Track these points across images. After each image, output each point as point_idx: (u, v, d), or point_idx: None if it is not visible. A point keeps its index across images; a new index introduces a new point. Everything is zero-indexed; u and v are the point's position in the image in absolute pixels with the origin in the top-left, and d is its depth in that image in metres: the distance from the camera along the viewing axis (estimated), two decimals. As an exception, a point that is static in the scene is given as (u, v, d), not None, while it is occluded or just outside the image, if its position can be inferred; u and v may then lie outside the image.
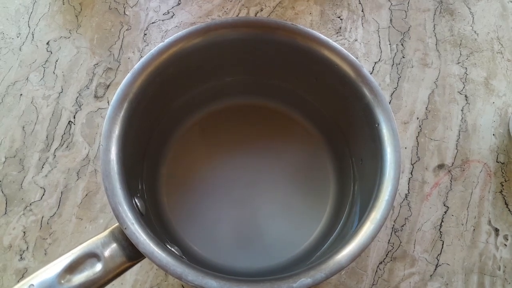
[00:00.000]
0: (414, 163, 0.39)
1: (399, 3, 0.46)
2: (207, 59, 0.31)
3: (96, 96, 0.40)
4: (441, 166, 0.39)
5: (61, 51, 0.42)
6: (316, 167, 0.35)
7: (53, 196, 0.36)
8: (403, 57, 0.43)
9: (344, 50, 0.29)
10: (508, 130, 0.40)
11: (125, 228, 0.23)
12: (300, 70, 0.32)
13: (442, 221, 0.37)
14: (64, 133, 0.39)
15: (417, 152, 0.39)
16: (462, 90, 0.42)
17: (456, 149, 0.39)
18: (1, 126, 0.39)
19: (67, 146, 0.38)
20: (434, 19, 0.45)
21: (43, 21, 0.44)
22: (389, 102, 0.41)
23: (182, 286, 0.34)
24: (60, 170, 0.37)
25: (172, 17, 0.45)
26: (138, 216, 0.24)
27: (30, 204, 0.36)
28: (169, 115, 0.34)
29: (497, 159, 0.39)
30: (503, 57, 0.44)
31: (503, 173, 0.39)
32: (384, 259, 0.35)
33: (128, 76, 0.27)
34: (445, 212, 0.37)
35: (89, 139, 0.38)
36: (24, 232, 0.35)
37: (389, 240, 0.36)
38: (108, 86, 0.41)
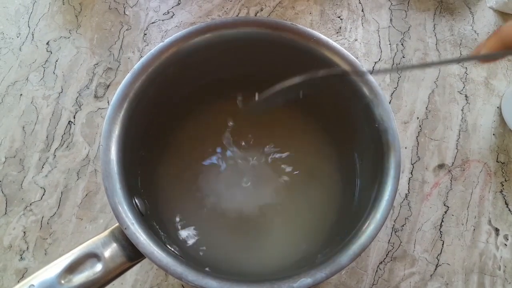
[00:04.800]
0: (414, 163, 0.39)
1: (399, 3, 0.46)
2: (207, 59, 0.31)
3: (96, 96, 0.40)
4: (441, 166, 0.39)
5: (61, 51, 0.42)
6: (320, 166, 0.35)
7: (53, 196, 0.36)
8: (403, 57, 0.43)
9: (344, 50, 0.29)
10: (501, 114, 0.40)
11: (125, 228, 0.23)
12: (300, 70, 0.32)
13: (442, 221, 0.37)
14: (64, 133, 0.38)
15: (417, 152, 0.39)
16: (462, 90, 0.42)
17: (456, 149, 0.39)
18: (1, 126, 0.39)
19: (67, 146, 0.38)
20: (434, 19, 0.45)
21: (43, 21, 0.44)
22: (389, 102, 0.41)
23: (182, 286, 0.34)
24: (60, 170, 0.37)
25: (172, 17, 0.44)
26: (138, 216, 0.24)
27: (30, 204, 0.36)
28: (169, 114, 0.34)
29: (497, 159, 0.39)
30: (503, 56, 0.44)
31: (503, 173, 0.39)
32: (384, 259, 0.35)
33: (128, 76, 0.27)
34: (445, 212, 0.37)
35: (89, 139, 0.38)
36: (24, 232, 0.35)
37: (389, 240, 0.36)
38: (108, 86, 0.41)
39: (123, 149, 0.26)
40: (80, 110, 0.40)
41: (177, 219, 0.32)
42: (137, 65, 0.28)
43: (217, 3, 0.45)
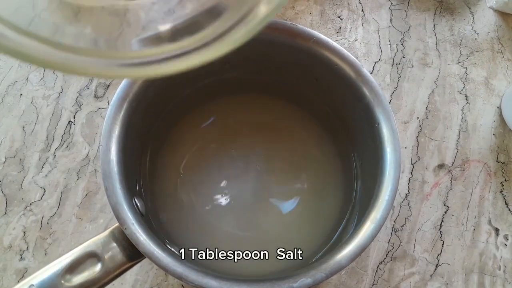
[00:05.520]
0: (414, 163, 0.39)
1: (399, 2, 0.46)
2: (207, 59, 0.31)
3: (96, 96, 0.40)
4: (441, 166, 0.39)
5: (61, 51, 0.42)
6: (320, 166, 0.35)
7: (53, 196, 0.36)
8: (403, 57, 0.43)
9: (344, 50, 0.29)
10: (502, 114, 0.40)
11: (125, 228, 0.23)
12: (300, 70, 0.32)
13: (442, 221, 0.37)
14: (64, 133, 0.39)
15: (417, 152, 0.39)
16: (462, 90, 0.42)
17: (456, 149, 0.39)
18: (1, 126, 0.39)
19: (67, 146, 0.38)
20: (434, 18, 0.45)
21: (43, 21, 0.43)
22: (389, 102, 0.41)
23: (182, 286, 0.34)
24: (60, 170, 0.37)
25: (172, 17, 0.44)
26: (138, 216, 0.24)
27: (30, 204, 0.36)
28: (169, 114, 0.34)
29: (497, 159, 0.39)
30: (503, 56, 0.44)
31: (503, 173, 0.39)
32: (384, 259, 0.35)
33: (128, 76, 0.27)
34: (445, 212, 0.37)
35: (89, 139, 0.38)
36: (24, 232, 0.35)
37: (389, 240, 0.36)
38: (108, 86, 0.41)
39: (123, 149, 0.26)
40: (80, 110, 0.40)
41: (177, 219, 0.32)
42: (137, 65, 0.28)
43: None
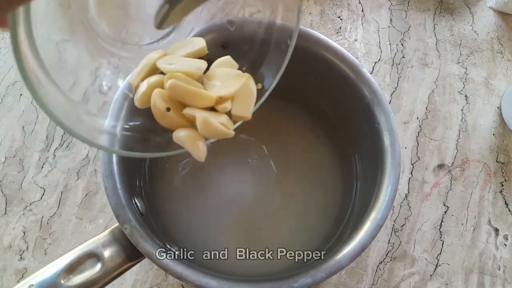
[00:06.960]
0: (414, 163, 0.39)
1: (399, 2, 0.46)
2: (208, 60, 0.31)
3: (96, 96, 0.40)
4: (441, 166, 0.39)
5: (61, 51, 0.42)
6: (320, 166, 0.34)
7: (53, 196, 0.36)
8: (403, 57, 0.43)
9: (344, 50, 0.29)
10: (502, 115, 0.40)
11: (125, 228, 0.23)
12: (300, 70, 0.32)
13: (442, 221, 0.37)
14: (64, 133, 0.38)
15: (417, 152, 0.39)
16: (462, 90, 0.42)
17: (456, 149, 0.39)
18: (1, 126, 0.39)
19: (67, 146, 0.38)
20: (434, 19, 0.45)
21: (43, 21, 0.43)
22: (389, 102, 0.41)
23: (182, 286, 0.34)
24: (60, 170, 0.37)
25: (172, 17, 0.44)
26: (138, 216, 0.24)
27: (30, 204, 0.36)
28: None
29: (497, 159, 0.39)
30: (503, 57, 0.44)
31: (503, 173, 0.39)
32: (384, 259, 0.35)
33: (129, 77, 0.27)
34: (445, 212, 0.37)
35: (89, 139, 0.38)
36: (24, 232, 0.35)
37: (389, 240, 0.36)
38: (110, 87, 0.41)
39: (123, 149, 0.26)
40: (80, 110, 0.40)
41: (177, 219, 0.32)
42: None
43: (219, 5, 0.45)
